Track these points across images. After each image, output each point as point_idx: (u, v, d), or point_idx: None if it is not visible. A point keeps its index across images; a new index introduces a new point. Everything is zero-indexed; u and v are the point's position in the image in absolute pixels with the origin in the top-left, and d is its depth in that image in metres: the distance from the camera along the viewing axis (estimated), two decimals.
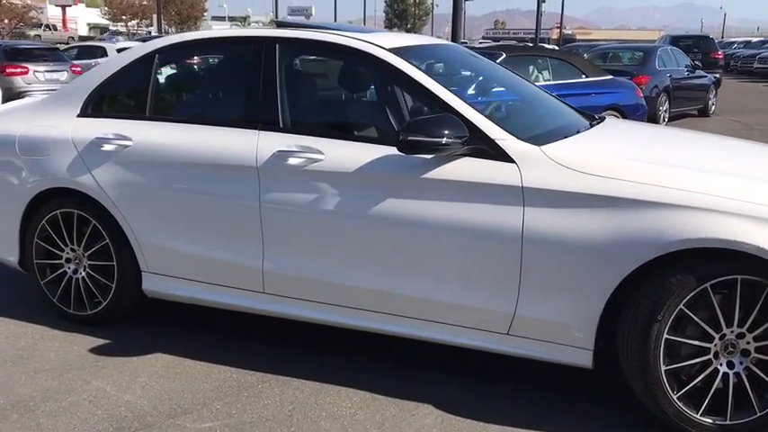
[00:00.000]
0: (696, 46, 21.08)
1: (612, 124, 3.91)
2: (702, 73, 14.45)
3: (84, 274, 3.85)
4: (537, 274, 2.86)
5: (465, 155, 2.98)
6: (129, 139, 3.59)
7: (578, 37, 62.22)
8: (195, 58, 4.26)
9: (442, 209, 2.98)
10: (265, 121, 3.37)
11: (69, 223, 3.80)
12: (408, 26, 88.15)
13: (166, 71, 3.88)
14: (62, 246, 3.86)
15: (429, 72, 3.29)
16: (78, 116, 3.82)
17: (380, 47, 3.33)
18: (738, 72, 32.92)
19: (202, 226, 3.47)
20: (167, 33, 38.45)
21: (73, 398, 3.15)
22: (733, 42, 43.80)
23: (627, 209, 2.72)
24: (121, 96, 3.99)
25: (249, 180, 3.32)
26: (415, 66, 3.25)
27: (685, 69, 13.57)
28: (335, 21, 49.32)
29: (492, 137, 2.98)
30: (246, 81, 3.50)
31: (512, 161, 2.93)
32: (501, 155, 2.95)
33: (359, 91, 3.87)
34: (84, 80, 3.97)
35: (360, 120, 3.65)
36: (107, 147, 3.64)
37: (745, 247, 2.54)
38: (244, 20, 73.91)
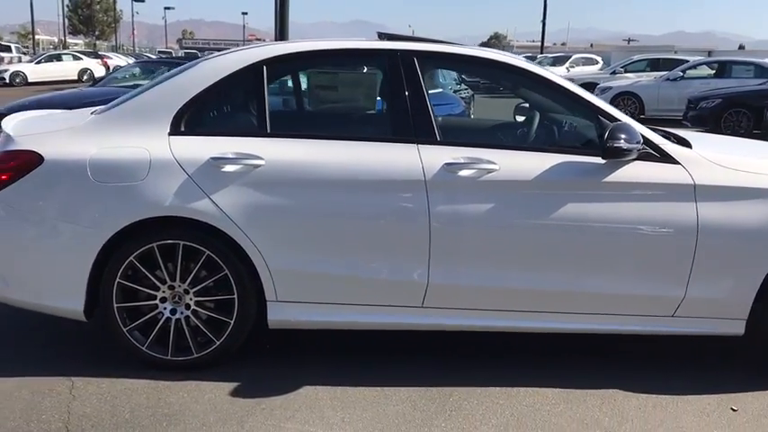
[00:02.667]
0: None
1: (685, 134, 4.32)
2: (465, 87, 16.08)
3: (187, 313, 3.39)
4: (707, 260, 3.31)
5: (635, 159, 3.31)
6: (260, 159, 3.27)
7: None
8: (310, 69, 3.94)
9: (621, 209, 3.28)
10: (422, 135, 3.34)
11: (169, 257, 3.33)
12: (96, 33, 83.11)
13: (281, 84, 3.58)
14: (157, 284, 3.36)
15: None
16: (171, 134, 3.36)
17: (518, 60, 3.52)
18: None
19: (353, 245, 3.31)
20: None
21: None
22: None
23: None
24: (225, 112, 3.58)
25: (416, 194, 3.27)
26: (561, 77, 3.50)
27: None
28: None
29: (655, 141, 3.36)
30: (389, 94, 3.42)
31: (676, 163, 3.34)
32: (666, 158, 3.34)
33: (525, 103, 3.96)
34: (160, 95, 3.47)
35: (517, 130, 3.76)
36: (229, 168, 3.27)
37: None
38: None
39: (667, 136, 3.55)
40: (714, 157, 3.40)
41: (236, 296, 3.34)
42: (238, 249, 3.30)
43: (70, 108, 8.53)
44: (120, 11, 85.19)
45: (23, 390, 3.21)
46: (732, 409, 3.18)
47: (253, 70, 3.45)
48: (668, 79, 17.85)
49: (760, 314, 3.39)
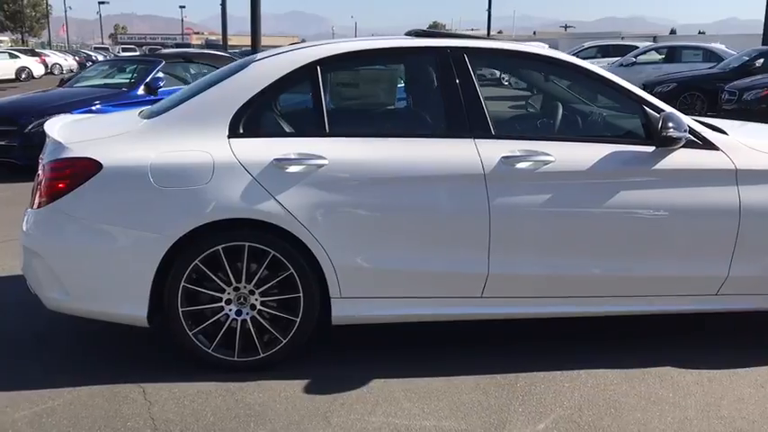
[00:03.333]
0: None
1: (719, 122, 4.36)
2: None
3: (253, 313, 3.41)
4: (748, 240, 3.50)
5: (681, 147, 3.48)
6: (323, 158, 3.31)
7: (232, 43, 61.38)
8: (362, 68, 3.96)
9: (670, 195, 3.45)
10: (477, 129, 3.44)
11: (233, 259, 3.34)
12: (25, 29, 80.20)
13: (335, 83, 3.61)
14: (223, 286, 3.37)
15: None
16: (230, 137, 3.37)
17: (562, 55, 3.64)
18: None
19: (414, 240, 3.39)
20: None
21: None
22: None
23: None
24: (282, 113, 3.59)
25: (476, 188, 3.37)
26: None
27: None
28: None
29: (697, 129, 3.53)
30: (442, 91, 3.49)
31: (717, 149, 3.51)
32: (708, 144, 3.52)
33: (552, 94, 4.06)
34: (215, 98, 3.47)
35: (567, 121, 3.87)
36: (293, 168, 3.30)
37: None
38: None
39: (704, 124, 3.73)
40: (752, 143, 3.59)
41: (301, 294, 3.38)
42: (303, 248, 3.34)
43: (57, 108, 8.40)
44: (50, 6, 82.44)
45: (97, 398, 3.19)
46: None
47: (307, 70, 3.49)
48: (621, 65, 18.37)
49: None
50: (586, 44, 23.44)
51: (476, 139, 3.42)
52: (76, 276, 3.37)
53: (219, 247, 3.31)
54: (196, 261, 3.31)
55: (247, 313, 3.42)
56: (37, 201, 3.41)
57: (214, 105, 3.45)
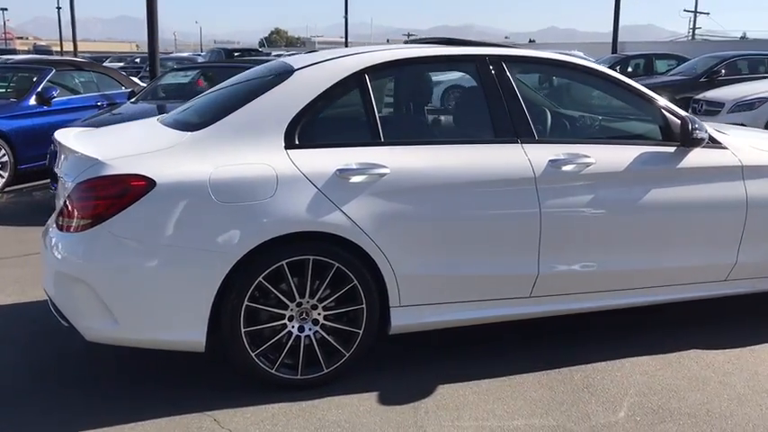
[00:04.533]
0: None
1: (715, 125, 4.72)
2: None
3: (316, 328, 3.32)
4: (753, 229, 3.87)
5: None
6: (384, 167, 3.29)
7: (55, 48, 55.91)
8: (407, 76, 3.87)
9: (693, 190, 3.75)
10: (522, 134, 3.56)
11: (296, 273, 3.24)
12: None
13: (384, 90, 3.57)
14: (286, 302, 3.26)
15: None
16: (287, 148, 3.26)
17: (591, 63, 3.85)
18: None
19: (470, 244, 3.45)
20: None
21: None
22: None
23: None
24: (336, 122, 3.50)
25: (528, 191, 3.49)
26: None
27: None
28: None
29: (709, 131, 3.86)
30: (486, 97, 3.58)
31: (725, 148, 3.86)
32: (717, 144, 3.86)
33: (583, 100, 4.19)
34: (265, 109, 3.34)
35: (600, 124, 4.04)
36: (356, 178, 3.25)
37: None
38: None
39: None
40: (751, 143, 3.98)
41: (364, 306, 3.34)
42: (366, 259, 3.30)
43: None
44: None
45: None
46: None
47: (356, 78, 3.45)
48: None
49: None
50: None
51: (522, 144, 3.54)
52: (128, 303, 3.12)
53: (284, 263, 3.20)
54: (260, 278, 3.18)
55: (310, 329, 3.32)
56: (75, 223, 3.13)
57: (266, 116, 3.33)
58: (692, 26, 65.67)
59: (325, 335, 3.33)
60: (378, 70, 3.53)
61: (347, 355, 3.37)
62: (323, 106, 3.41)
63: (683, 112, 3.84)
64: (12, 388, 3.37)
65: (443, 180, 3.38)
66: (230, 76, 9.06)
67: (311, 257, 3.23)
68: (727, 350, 3.80)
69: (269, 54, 30.00)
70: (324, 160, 3.26)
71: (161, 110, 7.95)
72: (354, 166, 3.26)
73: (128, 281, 3.10)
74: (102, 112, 8.26)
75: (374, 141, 3.40)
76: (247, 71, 4.08)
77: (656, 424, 3.07)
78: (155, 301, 3.12)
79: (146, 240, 3.08)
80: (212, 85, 9.01)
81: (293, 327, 3.30)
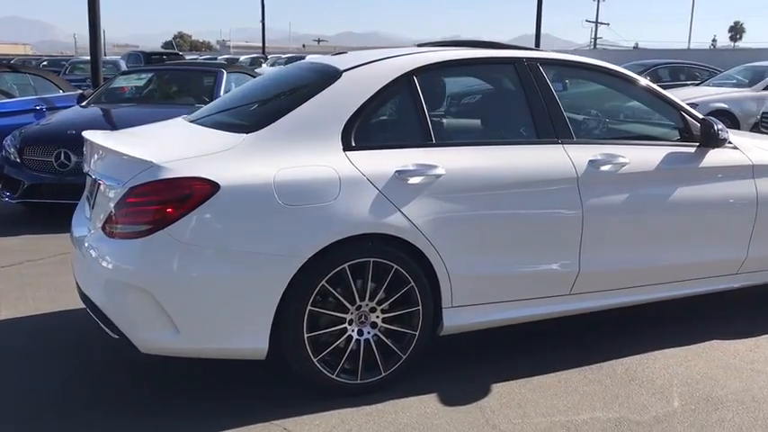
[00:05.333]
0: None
1: None
2: None
3: (374, 331, 3.29)
4: (762, 225, 4.11)
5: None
6: (440, 168, 3.30)
7: None
8: (453, 77, 3.85)
9: (713, 188, 3.95)
10: (562, 135, 3.65)
11: (358, 276, 3.21)
12: None
13: (431, 91, 3.55)
14: (347, 305, 3.21)
15: None
16: (345, 150, 3.22)
17: (615, 67, 3.99)
18: None
19: (518, 244, 3.51)
20: None
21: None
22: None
23: None
24: (388, 123, 3.47)
25: (570, 190, 3.58)
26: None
27: None
28: None
29: None
30: (527, 98, 3.64)
31: (737, 148, 4.08)
32: (730, 144, 4.07)
33: (610, 102, 4.28)
34: (317, 110, 3.28)
35: (628, 125, 4.16)
36: (414, 180, 3.25)
37: None
38: None
39: None
40: (757, 143, 4.22)
41: (420, 307, 3.33)
42: (422, 260, 3.30)
43: None
44: None
45: None
46: None
47: (406, 80, 3.44)
48: None
49: None
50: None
51: (563, 145, 3.63)
52: (191, 311, 3.00)
53: (346, 265, 3.15)
54: (323, 282, 3.12)
55: (369, 332, 3.29)
56: (131, 228, 2.98)
57: (322, 117, 3.27)
58: (593, 36, 68.52)
59: (384, 337, 3.31)
60: (426, 71, 3.53)
61: (404, 357, 3.35)
62: (375, 107, 3.39)
63: (700, 115, 4.03)
64: (71, 400, 3.18)
65: (493, 180, 3.42)
66: (187, 79, 8.96)
67: (371, 260, 3.20)
68: (744, 339, 4.01)
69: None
70: (382, 162, 3.24)
71: (120, 114, 7.65)
72: (412, 168, 3.26)
73: (191, 288, 2.98)
74: (56, 116, 7.85)
75: (426, 142, 3.40)
76: (271, 72, 4.00)
77: (711, 412, 3.20)
78: (218, 308, 3.01)
79: (210, 245, 2.98)
80: (145, 90, 8.76)
81: (353, 330, 3.25)
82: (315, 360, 3.17)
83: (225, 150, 3.14)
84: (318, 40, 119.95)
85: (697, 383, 3.48)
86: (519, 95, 3.69)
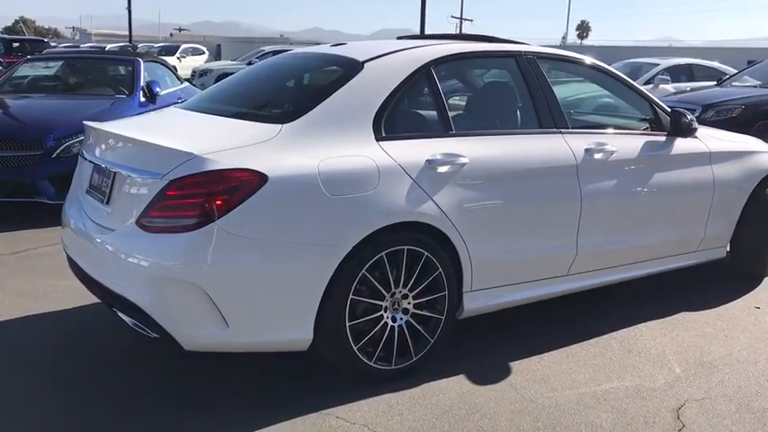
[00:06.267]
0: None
1: None
2: None
3: (407, 317, 3.37)
4: (717, 206, 4.55)
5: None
6: (464, 157, 3.43)
7: None
8: (465, 69, 3.88)
9: (683, 174, 4.33)
10: (561, 125, 3.88)
11: (394, 264, 3.27)
12: None
13: (448, 82, 3.65)
14: (384, 293, 3.27)
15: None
16: (378, 140, 3.27)
17: (599, 62, 4.28)
18: None
19: (529, 229, 3.71)
20: None
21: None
22: None
23: (744, 156, 4.69)
24: (412, 113, 3.51)
25: (571, 177, 3.82)
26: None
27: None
28: None
29: None
30: (529, 90, 3.84)
31: (696, 137, 4.49)
32: (691, 133, 4.47)
33: (590, 94, 4.48)
34: (347, 101, 3.30)
35: (611, 115, 4.40)
36: (443, 168, 3.36)
37: None
38: None
39: None
40: (711, 133, 4.66)
41: (446, 292, 3.45)
42: (449, 246, 3.42)
43: None
44: None
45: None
46: (756, 307, 4.51)
47: (425, 71, 3.54)
48: None
49: (734, 239, 4.79)
50: (266, 48, 24.13)
51: (563, 134, 3.86)
52: (241, 304, 2.95)
53: (383, 254, 3.21)
54: (363, 271, 3.16)
55: (401, 318, 3.36)
56: (175, 222, 2.89)
57: (353, 108, 3.31)
58: (458, 32, 70.81)
59: (415, 323, 3.39)
60: (443, 63, 3.65)
61: (432, 341, 3.45)
62: (400, 98, 3.46)
63: (667, 107, 4.40)
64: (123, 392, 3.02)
65: (510, 168, 3.59)
66: (102, 68, 8.48)
67: (405, 248, 3.28)
68: (707, 311, 4.42)
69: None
70: (412, 151, 3.32)
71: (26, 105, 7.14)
72: (440, 157, 3.36)
73: (242, 281, 2.93)
74: None
75: (446, 132, 3.51)
76: (273, 59, 4.00)
77: (709, 375, 3.54)
78: (267, 300, 2.99)
79: (260, 237, 2.94)
80: (53, 79, 8.27)
81: (388, 317, 3.31)
82: (355, 348, 3.21)
83: (264, 141, 3.10)
84: (180, 29, 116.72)
85: (686, 351, 3.82)
86: (522, 87, 3.88)
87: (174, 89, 8.93)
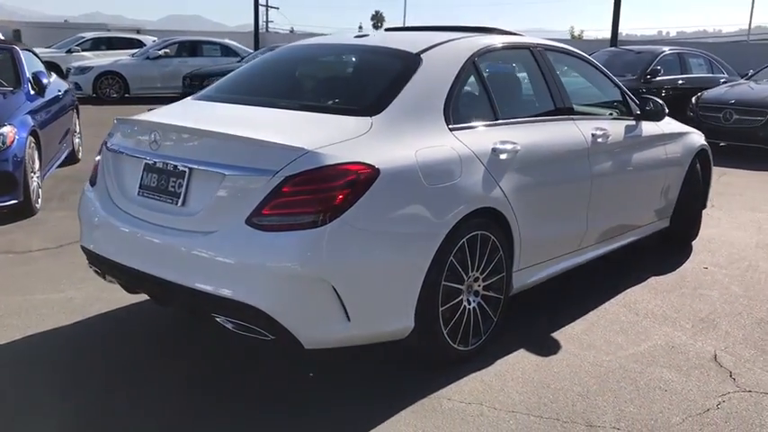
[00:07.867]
0: None
1: None
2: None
3: (478, 299, 3.53)
4: (669, 180, 5.17)
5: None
6: (517, 144, 3.64)
7: None
8: (498, 61, 3.94)
9: (650, 153, 4.87)
10: (571, 112, 4.22)
11: (471, 249, 3.42)
12: None
13: (489, 73, 3.80)
14: (464, 277, 3.40)
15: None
16: (450, 130, 3.39)
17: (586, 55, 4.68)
18: None
19: (558, 209, 4.03)
20: None
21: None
22: None
23: (684, 136, 5.35)
24: (468, 104, 3.61)
25: (584, 160, 4.18)
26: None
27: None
28: None
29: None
30: (545, 80, 4.13)
31: (657, 121, 5.06)
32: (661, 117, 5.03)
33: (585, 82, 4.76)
34: (419, 93, 3.39)
35: (599, 102, 4.75)
36: (503, 156, 3.55)
37: None
38: None
39: None
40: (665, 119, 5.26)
41: (504, 273, 3.66)
42: (507, 229, 3.63)
43: None
44: None
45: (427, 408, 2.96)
46: (704, 267, 5.18)
47: (472, 62, 3.71)
48: (148, 58, 18.53)
49: (675, 212, 5.45)
50: (88, 35, 22.34)
51: (574, 121, 4.20)
52: (363, 298, 2.96)
53: (464, 240, 3.35)
54: (450, 258, 3.28)
55: (473, 300, 3.51)
56: (295, 219, 2.82)
57: (426, 99, 3.41)
58: (265, 19, 69.92)
59: (486, 305, 3.56)
60: (484, 54, 3.84)
61: (495, 320, 3.64)
62: (459, 88, 3.59)
63: (635, 99, 4.92)
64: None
65: (548, 153, 3.89)
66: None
67: (479, 233, 3.43)
68: (667, 275, 4.99)
69: None
70: (478, 139, 3.49)
71: None
72: (500, 145, 3.55)
73: (365, 274, 2.95)
74: None
75: (495, 121, 3.71)
76: (291, 51, 3.98)
77: (712, 329, 4.06)
78: (383, 291, 3.03)
79: (377, 230, 2.97)
80: None
81: (466, 300, 3.45)
82: (444, 332, 3.31)
83: (361, 135, 3.10)
84: (64, 21, 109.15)
85: (681, 309, 4.35)
86: (540, 77, 4.17)
87: (50, 80, 8.18)
